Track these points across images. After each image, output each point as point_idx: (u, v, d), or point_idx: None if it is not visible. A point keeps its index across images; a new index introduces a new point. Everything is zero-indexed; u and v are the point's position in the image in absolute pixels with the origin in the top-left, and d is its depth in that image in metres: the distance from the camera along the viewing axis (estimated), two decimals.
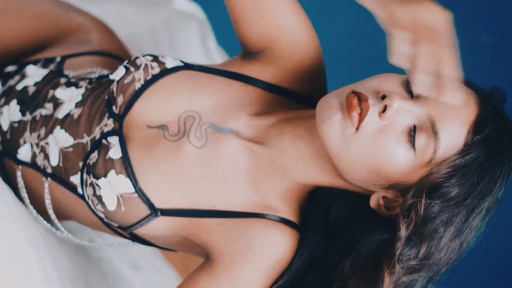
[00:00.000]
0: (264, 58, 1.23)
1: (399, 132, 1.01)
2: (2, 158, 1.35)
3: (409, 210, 1.01)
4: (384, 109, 1.00)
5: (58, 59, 1.37)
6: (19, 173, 1.31)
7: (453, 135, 1.01)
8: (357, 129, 1.00)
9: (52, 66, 1.36)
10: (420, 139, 1.00)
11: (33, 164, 1.29)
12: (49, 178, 1.27)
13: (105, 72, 1.34)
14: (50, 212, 1.28)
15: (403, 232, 1.00)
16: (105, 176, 1.16)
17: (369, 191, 1.09)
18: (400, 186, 1.04)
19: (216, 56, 2.00)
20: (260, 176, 1.14)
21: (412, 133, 1.01)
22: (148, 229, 1.18)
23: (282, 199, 1.14)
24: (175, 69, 1.22)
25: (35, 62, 1.38)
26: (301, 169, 1.11)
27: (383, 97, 1.01)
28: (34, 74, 1.35)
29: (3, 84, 1.38)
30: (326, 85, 1.26)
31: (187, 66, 1.23)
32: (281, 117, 1.15)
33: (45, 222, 1.30)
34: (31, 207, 1.30)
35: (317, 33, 1.23)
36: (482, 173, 1.01)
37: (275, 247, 1.10)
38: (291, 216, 1.13)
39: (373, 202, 1.07)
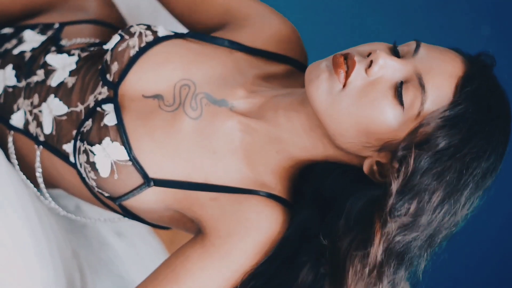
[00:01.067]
0: (234, 27, 1.27)
1: (386, 87, 1.01)
2: None
3: (400, 163, 1.00)
4: (370, 65, 1.01)
5: (57, 25, 1.37)
6: (10, 139, 1.31)
7: (440, 88, 1.01)
8: (344, 85, 1.02)
9: (50, 33, 1.35)
10: (407, 93, 1.01)
11: (25, 131, 1.29)
12: (41, 146, 1.27)
13: (100, 42, 1.34)
14: (40, 180, 1.29)
15: (394, 185, 0.99)
16: (99, 143, 1.16)
17: (362, 159, 1.09)
18: (391, 146, 1.03)
19: None
20: (255, 151, 1.14)
21: (399, 88, 1.01)
22: (139, 201, 1.18)
23: (276, 176, 1.15)
24: (168, 37, 1.23)
25: (32, 27, 1.38)
26: (295, 142, 1.12)
27: (369, 54, 1.02)
28: (32, 39, 1.35)
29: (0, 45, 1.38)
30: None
31: (178, 35, 1.24)
32: (275, 92, 1.16)
33: (34, 188, 1.31)
34: (20, 173, 1.30)
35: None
36: (472, 127, 1.00)
37: (268, 223, 1.11)
38: (284, 194, 1.14)
39: (366, 167, 1.07)
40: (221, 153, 1.15)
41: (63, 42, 1.33)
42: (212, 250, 1.11)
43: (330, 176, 1.15)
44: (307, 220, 1.12)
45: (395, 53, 1.05)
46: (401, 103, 1.01)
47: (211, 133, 1.15)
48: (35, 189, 1.31)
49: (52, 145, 1.25)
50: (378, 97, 1.01)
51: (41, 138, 1.27)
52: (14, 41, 1.36)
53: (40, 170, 1.29)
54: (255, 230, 1.11)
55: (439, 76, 1.01)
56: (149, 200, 1.17)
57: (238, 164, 1.15)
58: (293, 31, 1.29)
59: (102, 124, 1.17)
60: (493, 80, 1.06)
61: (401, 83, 1.01)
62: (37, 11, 1.45)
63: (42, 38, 1.34)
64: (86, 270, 1.40)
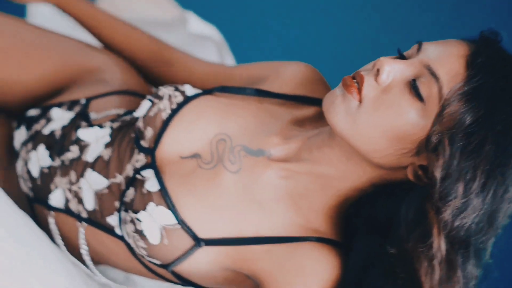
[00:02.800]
0: (259, 82, 1.29)
1: (400, 88, 1.01)
2: (33, 204, 1.34)
3: (436, 151, 0.99)
4: (378, 74, 1.02)
5: (83, 101, 1.36)
6: (51, 220, 1.29)
7: (452, 70, 1.00)
8: (360, 101, 1.02)
9: (77, 109, 1.35)
10: (422, 86, 1.00)
11: (66, 210, 1.27)
12: (84, 223, 1.25)
13: (128, 112, 1.33)
14: (87, 258, 1.27)
15: (436, 173, 0.98)
16: (144, 209, 1.14)
17: (405, 170, 1.06)
18: (425, 143, 1.02)
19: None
20: (300, 194, 1.13)
21: (413, 85, 1.01)
22: (192, 264, 1.15)
23: (325, 217, 1.13)
24: (197, 95, 1.22)
25: (59, 105, 1.37)
26: (336, 175, 1.11)
27: (374, 66, 1.04)
28: (61, 117, 1.34)
29: (28, 129, 1.38)
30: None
31: (206, 92, 1.24)
32: (308, 134, 1.15)
33: (83, 266, 1.28)
34: (68, 254, 1.28)
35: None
36: (494, 95, 0.99)
37: (324, 268, 1.09)
38: (334, 235, 1.13)
39: (411, 175, 1.05)
40: (266, 203, 1.13)
41: (92, 115, 1.33)
42: None
43: (379, 200, 1.13)
44: (366, 249, 1.10)
45: (400, 57, 1.06)
46: (419, 98, 1.01)
47: (253, 184, 1.14)
48: (84, 267, 1.28)
49: (95, 220, 1.24)
50: (395, 100, 1.01)
51: (84, 215, 1.25)
52: (42, 121, 1.36)
53: (86, 247, 1.26)
54: (313, 277, 1.09)
55: (448, 60, 1.01)
56: (202, 261, 1.15)
57: (285, 212, 1.13)
58: (313, 70, 1.30)
59: (144, 191, 1.15)
60: (501, 50, 1.05)
61: (414, 80, 1.01)
62: (62, 89, 1.44)
63: (71, 114, 1.34)
64: None
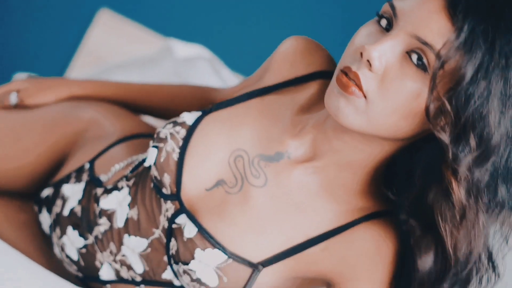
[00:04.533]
0: (254, 85, 1.25)
1: (398, 68, 0.97)
2: (87, 283, 1.32)
3: (439, 111, 0.96)
4: (370, 64, 0.97)
5: (87, 166, 1.33)
6: None
7: (439, 29, 0.95)
8: (364, 96, 0.98)
9: (85, 177, 1.32)
10: (417, 57, 0.96)
11: (120, 280, 1.25)
12: (142, 285, 1.23)
13: (134, 158, 1.30)
14: None
15: (444, 137, 0.96)
16: (193, 258, 1.11)
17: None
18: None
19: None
20: (333, 184, 1.11)
21: (409, 59, 0.96)
22: (260, 287, 1.13)
23: (364, 194, 1.11)
24: (197, 120, 1.19)
25: (67, 179, 1.35)
26: (362, 157, 1.08)
27: (361, 56, 0.98)
28: (73, 192, 1.31)
29: (49, 211, 1.36)
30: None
31: (205, 112, 1.20)
32: (316, 119, 1.12)
33: None
34: None
35: None
36: (489, 33, 0.93)
37: (384, 245, 1.08)
38: (379, 206, 1.11)
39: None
40: (304, 204, 1.11)
41: (103, 178, 1.30)
42: None
43: (411, 155, 1.09)
44: (411, 206, 1.07)
45: (380, 27, 1.00)
46: (422, 69, 0.96)
47: (285, 190, 1.11)
48: None
49: (151, 280, 1.21)
50: (399, 82, 0.97)
51: (138, 279, 1.23)
52: (59, 202, 1.33)
53: None
54: (376, 257, 1.08)
55: (431, 21, 0.95)
56: (267, 282, 1.12)
57: (325, 205, 1.11)
58: (302, 41, 1.23)
59: (185, 239, 1.12)
60: None
61: (407, 53, 0.96)
62: (64, 158, 1.42)
63: (81, 186, 1.31)
64: None
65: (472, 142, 0.95)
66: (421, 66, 0.95)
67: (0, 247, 1.28)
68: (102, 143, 1.37)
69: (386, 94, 0.97)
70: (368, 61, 0.97)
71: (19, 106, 1.43)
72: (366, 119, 0.99)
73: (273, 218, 1.11)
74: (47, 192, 1.39)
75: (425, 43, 0.94)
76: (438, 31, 0.94)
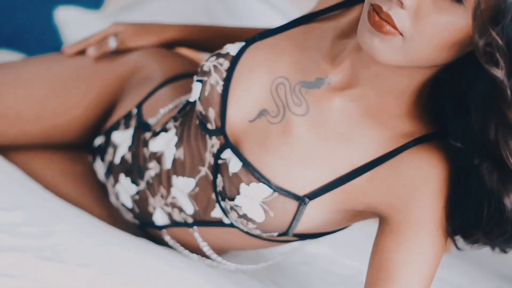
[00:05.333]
0: None
1: (431, 1, 0.91)
2: (145, 228, 1.33)
3: (489, 47, 0.90)
4: (401, 2, 0.92)
5: (135, 111, 1.33)
6: (167, 237, 1.29)
7: None
8: (401, 34, 0.94)
9: (133, 122, 1.32)
10: None
11: (174, 223, 1.26)
12: (194, 227, 1.23)
13: (183, 99, 1.29)
14: (213, 256, 1.25)
15: (499, 73, 0.90)
16: (238, 193, 1.10)
17: None
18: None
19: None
20: (377, 109, 1.07)
21: None
22: (307, 221, 1.11)
23: (410, 117, 1.07)
24: (241, 51, 1.16)
25: (117, 126, 1.35)
26: (404, 80, 1.04)
27: None
28: (123, 139, 1.31)
29: (102, 160, 1.36)
30: None
31: (248, 42, 1.17)
32: (354, 44, 1.08)
33: (215, 263, 1.28)
34: (195, 255, 1.28)
35: None
36: None
37: (432, 170, 1.03)
38: (426, 128, 1.06)
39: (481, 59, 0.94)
40: (348, 131, 1.08)
41: (151, 121, 1.29)
42: (403, 229, 1.04)
43: (457, 74, 1.04)
44: (461, 129, 1.02)
45: None
46: (456, 1, 0.90)
47: (327, 118, 1.08)
48: (215, 263, 1.28)
49: (202, 220, 1.21)
50: (433, 16, 0.92)
51: (190, 220, 1.23)
52: (110, 150, 1.34)
53: (206, 247, 1.25)
54: (425, 186, 1.03)
55: None
56: (315, 214, 1.10)
57: (370, 132, 1.07)
58: None
59: (230, 174, 1.11)
60: None
61: None
62: (112, 106, 1.42)
63: (130, 132, 1.31)
64: None
65: None
66: None
67: (55, 201, 1.31)
68: (148, 86, 1.36)
69: (422, 30, 0.92)
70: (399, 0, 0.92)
71: (119, 49, 1.43)
72: (404, 55, 0.96)
73: (317, 148, 1.08)
74: (99, 140, 1.39)
75: None
76: None
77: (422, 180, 1.03)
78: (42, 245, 1.14)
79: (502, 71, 0.90)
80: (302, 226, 1.11)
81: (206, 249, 1.24)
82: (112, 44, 1.41)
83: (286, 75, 1.12)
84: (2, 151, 1.43)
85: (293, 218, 1.09)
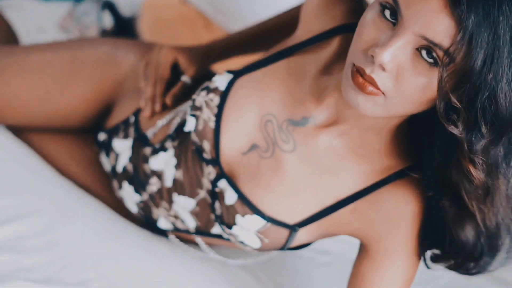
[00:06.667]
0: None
1: (410, 65, 0.96)
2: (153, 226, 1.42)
3: (450, 108, 0.95)
4: (383, 67, 0.97)
5: (132, 119, 1.38)
6: (172, 236, 1.40)
7: (445, 28, 0.93)
8: (383, 93, 0.98)
9: (131, 132, 1.37)
10: (426, 52, 0.95)
11: (177, 230, 1.36)
12: (197, 237, 1.34)
13: (179, 110, 1.33)
14: (205, 247, 1.37)
15: (456, 131, 0.96)
16: (234, 223, 1.18)
17: None
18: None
19: None
20: (358, 144, 1.13)
21: (422, 55, 0.95)
22: (299, 241, 1.20)
23: (390, 152, 1.13)
24: (229, 85, 1.20)
25: (116, 131, 1.40)
26: (383, 120, 1.09)
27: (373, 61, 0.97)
28: (123, 149, 1.37)
29: (107, 155, 1.43)
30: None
31: (236, 74, 1.21)
32: (335, 86, 1.11)
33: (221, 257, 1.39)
34: (200, 241, 1.37)
35: None
36: (493, 27, 0.92)
37: (409, 206, 1.11)
38: (405, 162, 1.13)
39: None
40: (333, 166, 1.14)
41: (148, 133, 1.34)
42: (379, 258, 1.14)
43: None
44: (434, 163, 1.07)
45: (385, 17, 0.97)
46: (434, 64, 0.95)
47: (314, 154, 1.14)
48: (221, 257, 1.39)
49: (203, 232, 1.30)
50: (413, 78, 0.96)
51: (192, 231, 1.32)
52: (112, 156, 1.40)
53: (207, 250, 1.36)
54: (400, 219, 1.11)
55: (436, 21, 0.93)
56: (305, 237, 1.19)
57: (353, 166, 1.13)
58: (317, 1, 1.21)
59: (227, 205, 1.18)
60: None
61: (417, 50, 0.95)
62: (111, 103, 1.47)
63: (129, 142, 1.37)
64: None
65: (484, 129, 0.96)
66: (432, 61, 0.94)
67: (63, 192, 1.39)
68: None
69: (402, 90, 0.97)
70: (380, 65, 0.95)
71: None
72: (385, 110, 1.00)
73: (305, 182, 1.14)
74: (102, 136, 1.45)
75: (433, 43, 0.93)
76: (444, 30, 0.92)
77: (398, 215, 1.11)
78: (46, 261, 1.24)
79: (459, 129, 0.96)
80: (294, 244, 1.21)
81: (207, 251, 1.35)
82: (187, 79, 1.36)
83: (273, 113, 1.16)
84: (18, 133, 1.50)
85: (286, 242, 1.18)
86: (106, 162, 1.45)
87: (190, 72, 1.34)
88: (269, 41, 1.39)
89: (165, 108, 1.34)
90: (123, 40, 1.51)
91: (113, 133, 1.41)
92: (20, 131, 1.50)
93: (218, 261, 1.39)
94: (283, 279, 1.45)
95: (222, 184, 1.19)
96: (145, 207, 1.36)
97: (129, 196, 1.37)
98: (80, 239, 1.31)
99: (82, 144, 1.51)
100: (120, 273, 1.28)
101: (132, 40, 1.53)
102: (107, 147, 1.43)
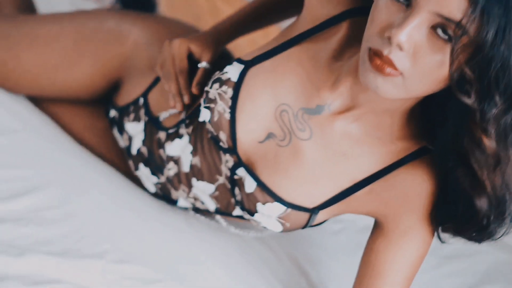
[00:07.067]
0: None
1: (427, 44, 0.97)
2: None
3: (463, 79, 0.97)
4: (400, 47, 0.98)
5: (141, 101, 1.40)
6: (191, 213, 1.43)
7: (457, 4, 0.94)
8: (401, 73, 1.00)
9: (142, 115, 1.38)
10: (442, 31, 0.96)
11: (196, 209, 1.40)
12: (218, 215, 1.37)
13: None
14: (224, 223, 1.40)
15: (469, 101, 0.98)
16: (256, 211, 1.20)
17: None
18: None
19: None
20: (373, 128, 1.15)
21: (436, 34, 0.97)
22: (318, 221, 1.23)
23: (405, 133, 1.15)
24: (241, 75, 1.20)
25: (127, 111, 1.42)
26: (397, 102, 1.11)
27: (390, 41, 0.99)
28: (135, 132, 1.40)
29: (119, 132, 1.44)
30: None
31: (247, 65, 1.21)
32: (350, 66, 1.12)
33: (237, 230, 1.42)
34: (220, 219, 1.40)
35: None
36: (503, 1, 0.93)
37: (423, 186, 1.13)
38: (420, 142, 1.15)
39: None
40: (349, 150, 1.16)
41: (161, 117, 1.36)
42: (393, 236, 1.17)
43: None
44: (448, 143, 1.09)
45: (398, 1, 0.99)
46: (449, 41, 0.96)
47: (330, 141, 1.16)
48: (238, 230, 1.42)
49: (224, 213, 1.33)
50: (430, 56, 0.98)
51: (212, 211, 1.34)
52: (125, 137, 1.42)
53: (228, 227, 1.40)
54: (415, 199, 1.14)
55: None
56: (321, 218, 1.22)
57: (369, 149, 1.16)
58: None
59: (247, 193, 1.20)
60: None
61: (433, 28, 0.97)
62: (118, 79, 1.49)
63: (141, 126, 1.39)
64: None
65: (497, 98, 0.97)
66: (447, 38, 0.96)
67: (80, 162, 1.41)
68: (151, 72, 1.41)
69: (420, 68, 0.98)
70: (397, 45, 0.96)
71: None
72: (404, 91, 1.02)
73: (322, 168, 1.16)
74: (113, 113, 1.47)
75: (448, 19, 0.94)
76: (457, 6, 0.94)
77: (414, 195, 1.13)
78: (63, 233, 1.25)
79: (472, 99, 0.98)
80: (315, 223, 1.24)
81: (227, 227, 1.39)
82: (206, 65, 1.34)
83: (288, 102, 1.17)
84: (37, 102, 1.53)
85: (306, 223, 1.21)
86: (120, 139, 1.46)
87: (207, 58, 1.33)
88: (273, 14, 1.39)
89: (194, 98, 1.33)
90: (127, 13, 1.50)
91: (123, 112, 1.43)
92: (39, 101, 1.53)
93: (234, 234, 1.41)
94: (296, 249, 1.48)
95: (241, 172, 1.21)
96: (163, 187, 1.39)
97: (146, 177, 1.40)
98: (97, 209, 1.33)
99: (95, 115, 1.54)
100: (136, 244, 1.30)
101: (135, 12, 1.52)
102: (119, 124, 1.45)
